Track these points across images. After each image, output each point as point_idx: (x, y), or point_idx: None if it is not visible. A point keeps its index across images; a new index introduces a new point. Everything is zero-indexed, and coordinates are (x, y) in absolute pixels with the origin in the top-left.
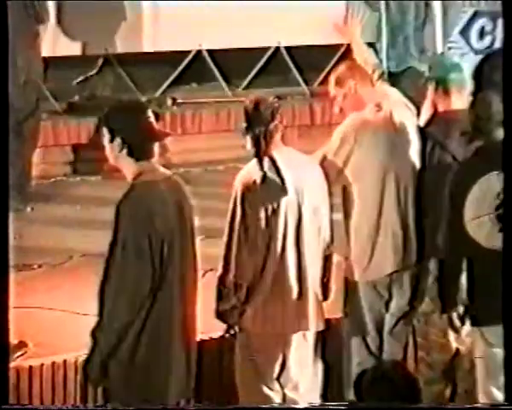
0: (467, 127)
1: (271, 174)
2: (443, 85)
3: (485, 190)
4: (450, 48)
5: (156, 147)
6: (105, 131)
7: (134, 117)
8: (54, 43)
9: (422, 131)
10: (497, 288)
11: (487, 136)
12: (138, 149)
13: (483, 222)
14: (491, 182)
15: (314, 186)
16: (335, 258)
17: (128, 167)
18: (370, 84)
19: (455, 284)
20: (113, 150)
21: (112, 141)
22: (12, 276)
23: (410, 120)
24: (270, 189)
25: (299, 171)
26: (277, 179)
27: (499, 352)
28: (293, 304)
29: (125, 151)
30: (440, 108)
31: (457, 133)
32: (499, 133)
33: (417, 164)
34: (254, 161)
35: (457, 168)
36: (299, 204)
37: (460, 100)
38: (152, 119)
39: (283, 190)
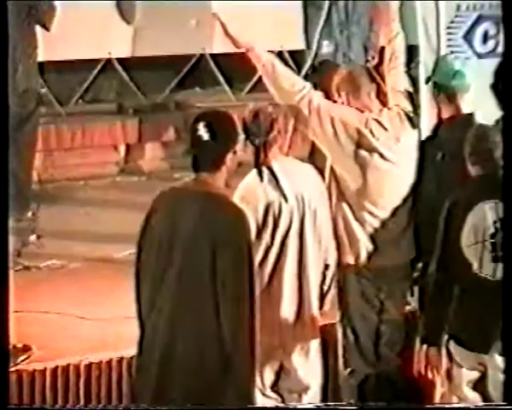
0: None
1: (271, 186)
2: (445, 92)
3: (481, 218)
4: (452, 52)
5: (225, 160)
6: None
7: (189, 126)
8: (56, 46)
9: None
10: (486, 315)
11: (487, 166)
12: (195, 161)
13: (477, 249)
14: (487, 210)
15: (314, 195)
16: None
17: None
18: (366, 98)
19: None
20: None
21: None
22: (15, 279)
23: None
24: (271, 201)
25: (299, 180)
26: (277, 191)
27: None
28: (292, 315)
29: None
30: (444, 115)
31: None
32: (498, 166)
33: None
34: (254, 172)
35: (457, 191)
36: (300, 215)
37: (461, 105)
38: (202, 131)
39: (284, 202)
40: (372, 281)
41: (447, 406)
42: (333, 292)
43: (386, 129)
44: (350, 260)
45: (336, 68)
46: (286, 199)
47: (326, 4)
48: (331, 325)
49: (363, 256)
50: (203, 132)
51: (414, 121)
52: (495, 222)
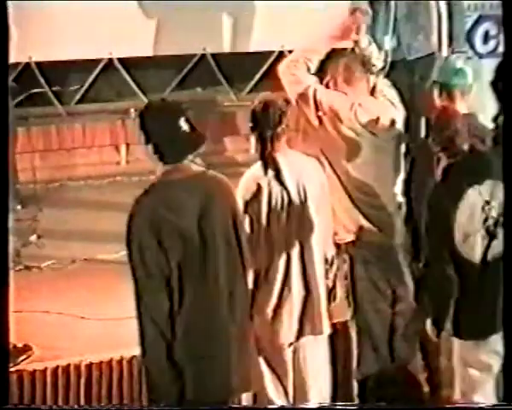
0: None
1: (275, 179)
2: (447, 90)
3: (471, 208)
4: (453, 52)
5: (193, 152)
6: (140, 132)
7: (164, 122)
8: (57, 46)
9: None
10: (487, 300)
11: (455, 152)
12: (169, 155)
13: (474, 239)
14: (473, 197)
15: (317, 189)
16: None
17: (158, 169)
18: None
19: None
20: (147, 152)
21: (147, 143)
22: (15, 279)
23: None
24: (274, 194)
25: (303, 174)
26: (281, 184)
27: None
28: (300, 309)
29: (156, 157)
30: (443, 114)
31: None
32: (466, 146)
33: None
34: (258, 164)
35: (432, 192)
36: (303, 208)
37: (463, 105)
38: (184, 125)
39: (287, 195)
40: (378, 264)
41: (447, 406)
42: (340, 288)
43: (371, 114)
44: (349, 237)
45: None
46: (288, 193)
47: None
48: (341, 323)
49: (362, 234)
50: (185, 127)
51: (397, 108)
52: (483, 207)
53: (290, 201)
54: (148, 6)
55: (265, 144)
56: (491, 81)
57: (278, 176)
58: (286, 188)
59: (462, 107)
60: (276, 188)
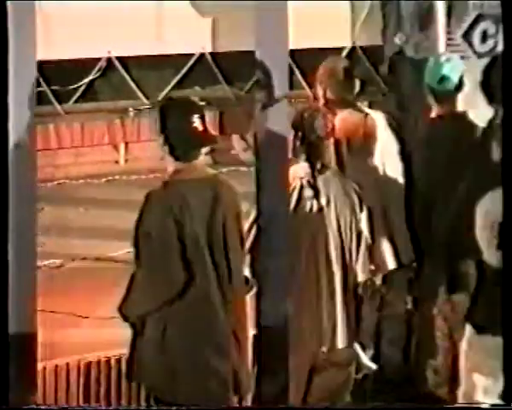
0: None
1: (309, 188)
2: (432, 93)
3: (493, 204)
4: (451, 51)
5: (202, 150)
6: (156, 125)
7: (178, 116)
8: (56, 45)
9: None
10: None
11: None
12: (179, 150)
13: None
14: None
15: (340, 197)
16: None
17: (168, 165)
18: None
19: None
20: (159, 145)
21: (163, 138)
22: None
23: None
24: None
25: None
26: (313, 190)
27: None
28: (328, 320)
29: (166, 148)
30: (433, 114)
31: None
32: None
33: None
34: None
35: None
36: (336, 218)
37: (450, 107)
38: (197, 122)
39: (317, 201)
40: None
41: (447, 406)
42: None
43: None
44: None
45: None
46: (318, 199)
47: None
48: None
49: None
50: (198, 124)
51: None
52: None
53: (325, 212)
54: (148, 5)
55: (310, 150)
56: (481, 81)
57: (312, 186)
58: (317, 193)
59: (447, 110)
60: (309, 193)
